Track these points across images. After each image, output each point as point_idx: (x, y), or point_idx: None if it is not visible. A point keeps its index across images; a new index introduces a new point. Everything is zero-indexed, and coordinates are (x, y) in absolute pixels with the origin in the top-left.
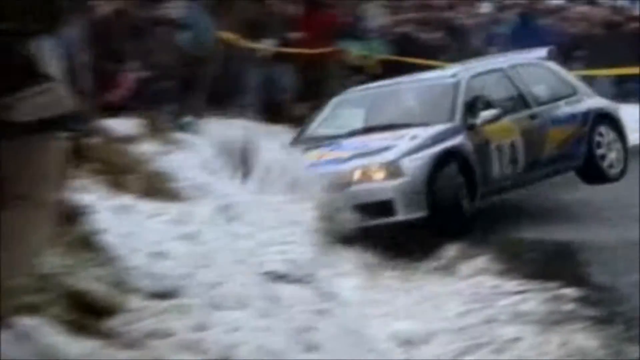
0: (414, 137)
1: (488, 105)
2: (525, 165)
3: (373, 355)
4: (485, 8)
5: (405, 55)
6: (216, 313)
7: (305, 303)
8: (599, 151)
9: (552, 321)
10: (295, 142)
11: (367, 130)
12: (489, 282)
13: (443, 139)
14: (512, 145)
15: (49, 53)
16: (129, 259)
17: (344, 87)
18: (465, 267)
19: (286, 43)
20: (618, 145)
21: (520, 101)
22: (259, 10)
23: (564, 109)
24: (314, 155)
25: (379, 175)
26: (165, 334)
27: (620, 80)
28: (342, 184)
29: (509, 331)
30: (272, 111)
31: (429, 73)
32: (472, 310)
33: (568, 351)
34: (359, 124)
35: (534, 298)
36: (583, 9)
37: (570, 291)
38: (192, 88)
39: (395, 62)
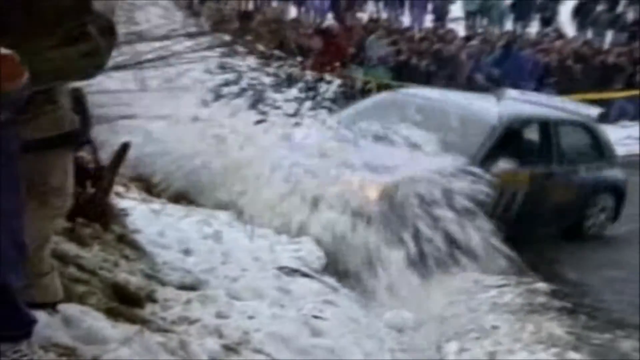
0: (426, 166)
1: (513, 154)
2: (515, 217)
3: (371, 341)
4: (473, 40)
5: (402, 80)
6: (235, 303)
7: (313, 295)
8: (588, 213)
9: (527, 311)
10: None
11: (392, 140)
12: (472, 277)
13: (451, 176)
14: (514, 195)
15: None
16: (160, 255)
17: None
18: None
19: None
20: (611, 213)
21: (545, 157)
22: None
23: (581, 174)
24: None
25: (373, 193)
26: (191, 321)
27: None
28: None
29: (489, 320)
30: None
31: (478, 101)
32: (457, 302)
33: (540, 337)
34: (388, 131)
35: (511, 292)
36: (558, 42)
37: (542, 286)
38: None
39: (388, 85)
